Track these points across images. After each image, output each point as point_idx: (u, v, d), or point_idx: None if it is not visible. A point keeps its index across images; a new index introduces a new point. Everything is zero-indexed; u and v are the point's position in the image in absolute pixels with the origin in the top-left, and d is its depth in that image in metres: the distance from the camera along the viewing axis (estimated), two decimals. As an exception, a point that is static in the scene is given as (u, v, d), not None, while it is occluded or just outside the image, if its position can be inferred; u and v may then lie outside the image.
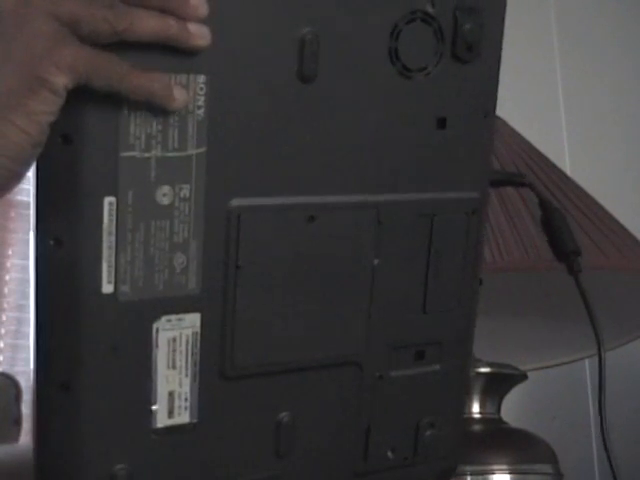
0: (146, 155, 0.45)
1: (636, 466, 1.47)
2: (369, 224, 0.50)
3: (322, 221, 0.49)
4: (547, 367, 1.21)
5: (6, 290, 1.54)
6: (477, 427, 1.02)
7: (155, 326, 0.46)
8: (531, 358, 1.17)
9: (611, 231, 1.02)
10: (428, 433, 0.55)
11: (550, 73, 1.81)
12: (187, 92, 0.45)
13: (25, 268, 1.55)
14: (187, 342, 0.47)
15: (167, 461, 0.48)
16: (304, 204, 0.49)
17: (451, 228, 0.53)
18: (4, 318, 1.54)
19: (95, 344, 0.45)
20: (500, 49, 0.53)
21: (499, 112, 1.22)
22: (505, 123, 1.15)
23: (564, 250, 0.61)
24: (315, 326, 0.50)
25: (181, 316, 0.47)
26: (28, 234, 1.55)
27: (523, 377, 1.03)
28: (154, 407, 0.47)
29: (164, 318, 0.46)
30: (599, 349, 0.62)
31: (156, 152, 0.45)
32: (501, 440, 1.00)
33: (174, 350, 0.47)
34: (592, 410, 1.62)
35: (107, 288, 0.45)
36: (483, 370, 1.02)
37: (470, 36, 0.51)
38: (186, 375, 0.47)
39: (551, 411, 1.57)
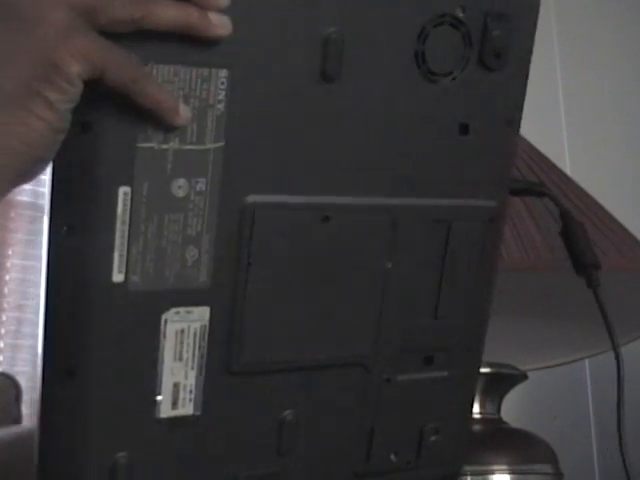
0: (164, 147, 0.45)
1: (637, 465, 1.46)
2: (384, 227, 0.50)
3: (337, 222, 0.49)
4: (547, 367, 1.21)
5: (6, 290, 1.54)
6: (477, 427, 1.01)
7: (164, 317, 0.46)
8: (531, 358, 1.17)
9: (611, 231, 1.02)
10: (432, 439, 0.55)
11: (550, 73, 1.80)
12: (189, 111, 0.45)
13: (25, 268, 1.55)
14: (195, 335, 0.47)
15: (169, 452, 0.48)
16: (319, 204, 0.48)
17: (468, 235, 0.52)
18: (4, 318, 1.54)
19: (102, 332, 0.45)
20: (530, 57, 0.52)
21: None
22: (505, 123, 1.15)
23: (583, 263, 0.60)
24: (324, 326, 0.50)
25: (190, 309, 0.47)
26: (28, 234, 1.55)
27: (523, 377, 1.03)
28: (158, 397, 0.47)
29: (173, 310, 0.46)
30: (618, 366, 0.62)
31: (174, 144, 0.45)
32: (501, 440, 1.00)
33: (181, 342, 0.47)
34: (592, 410, 1.62)
35: (118, 277, 0.45)
36: (483, 370, 1.01)
37: (499, 43, 0.50)
38: (192, 368, 0.47)
39: (551, 411, 1.57)
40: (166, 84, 0.44)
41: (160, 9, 0.44)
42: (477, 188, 0.52)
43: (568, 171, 1.19)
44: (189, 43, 0.44)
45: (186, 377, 0.47)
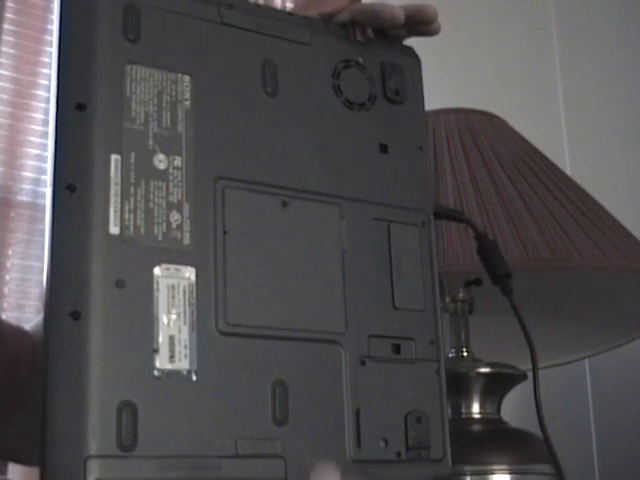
0: (144, 128, 0.53)
1: (637, 465, 1.47)
2: (334, 217, 0.57)
3: (294, 207, 0.56)
4: (547, 367, 1.21)
5: (6, 290, 1.54)
6: (477, 427, 1.02)
7: (156, 270, 0.51)
8: (531, 358, 1.17)
9: (611, 231, 1.02)
10: (416, 428, 0.57)
11: (550, 73, 1.81)
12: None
13: (25, 268, 1.55)
14: (184, 292, 0.52)
15: (170, 406, 0.50)
16: (278, 190, 0.56)
17: (406, 236, 0.60)
18: (4, 318, 1.54)
19: (103, 278, 0.50)
20: (422, 96, 0.63)
21: (499, 112, 1.22)
22: (505, 123, 1.15)
23: (498, 274, 0.69)
24: (299, 301, 0.55)
25: (178, 267, 0.52)
26: (28, 234, 1.55)
27: (523, 377, 1.04)
28: (156, 346, 0.50)
29: (164, 265, 0.52)
30: (534, 366, 0.71)
31: (152, 127, 0.53)
32: (501, 440, 1.00)
33: (173, 297, 0.52)
34: (592, 410, 1.62)
35: (114, 230, 0.51)
36: (483, 370, 1.02)
37: (395, 84, 0.62)
38: (184, 323, 0.52)
39: (551, 411, 1.57)
40: (144, 81, 0.53)
41: None
42: (406, 196, 0.60)
43: (568, 171, 1.19)
44: (162, 52, 0.54)
45: (180, 331, 0.51)
